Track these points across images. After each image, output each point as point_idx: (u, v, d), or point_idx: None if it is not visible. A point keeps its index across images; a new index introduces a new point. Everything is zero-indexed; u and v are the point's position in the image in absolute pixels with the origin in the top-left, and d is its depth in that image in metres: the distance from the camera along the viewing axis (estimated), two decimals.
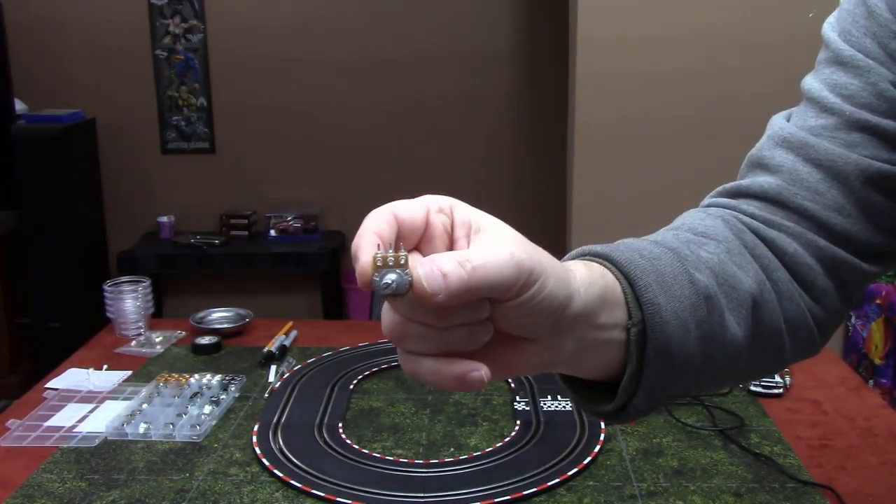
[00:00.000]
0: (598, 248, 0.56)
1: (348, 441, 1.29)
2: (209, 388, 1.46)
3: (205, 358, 1.64)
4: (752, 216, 0.66)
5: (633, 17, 2.49)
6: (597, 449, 1.24)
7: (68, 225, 3.27)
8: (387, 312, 0.46)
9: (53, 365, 1.61)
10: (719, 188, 0.71)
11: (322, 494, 1.13)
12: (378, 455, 1.24)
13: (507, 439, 1.29)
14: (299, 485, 1.15)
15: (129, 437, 1.31)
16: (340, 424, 1.34)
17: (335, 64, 3.62)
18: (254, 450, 1.26)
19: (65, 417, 1.39)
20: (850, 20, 0.67)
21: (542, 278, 0.45)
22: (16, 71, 3.44)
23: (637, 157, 2.57)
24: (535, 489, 1.14)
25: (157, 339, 1.72)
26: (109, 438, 1.31)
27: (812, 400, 1.42)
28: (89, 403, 1.44)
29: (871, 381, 2.78)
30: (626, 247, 0.57)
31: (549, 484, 1.15)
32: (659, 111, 2.53)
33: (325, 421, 1.35)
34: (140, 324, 1.75)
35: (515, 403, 1.40)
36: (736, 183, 0.70)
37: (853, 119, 0.65)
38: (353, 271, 0.45)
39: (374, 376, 1.54)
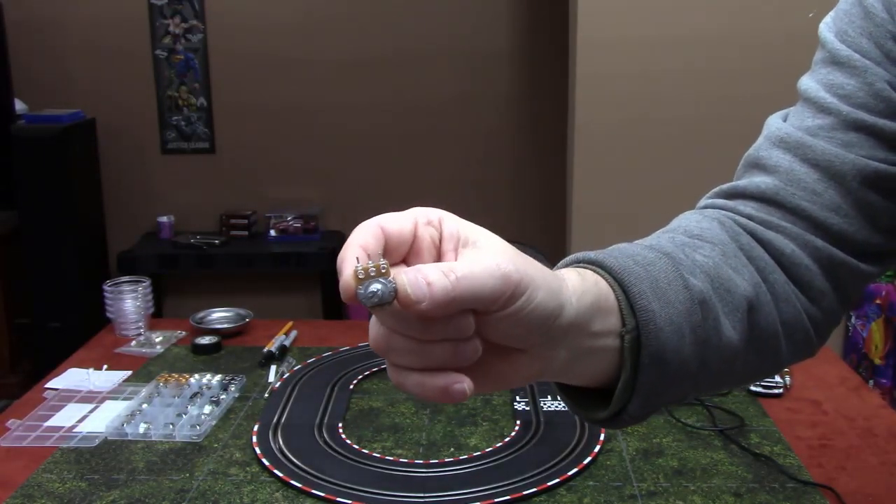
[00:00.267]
0: (591, 254, 0.56)
1: (348, 441, 1.29)
2: (209, 388, 1.46)
3: (205, 358, 1.64)
4: (749, 217, 0.66)
5: (633, 17, 2.49)
6: (597, 449, 1.24)
7: (68, 225, 3.27)
8: (373, 325, 0.46)
9: (53, 365, 1.61)
10: (716, 189, 0.71)
11: (322, 494, 1.13)
12: (378, 455, 1.24)
13: (507, 439, 1.29)
14: (299, 485, 1.15)
15: (129, 437, 1.31)
16: (340, 424, 1.34)
17: (335, 64, 3.62)
18: (254, 450, 1.26)
19: (65, 417, 1.39)
20: (846, 20, 0.67)
21: (531, 290, 0.45)
22: (16, 71, 3.44)
23: (637, 157, 2.57)
24: (535, 489, 1.14)
25: (157, 339, 1.72)
26: (109, 438, 1.31)
27: (812, 400, 1.42)
28: (89, 403, 1.44)
29: (871, 381, 2.78)
30: (620, 252, 0.56)
31: (549, 484, 1.15)
32: (659, 111, 2.53)
33: (325, 421, 1.35)
34: (140, 324, 1.75)
35: (515, 403, 1.40)
36: (733, 184, 0.69)
37: (850, 119, 0.65)
38: None
39: (374, 376, 1.54)
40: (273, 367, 1.57)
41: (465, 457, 1.24)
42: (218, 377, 1.50)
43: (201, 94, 3.67)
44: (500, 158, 3.71)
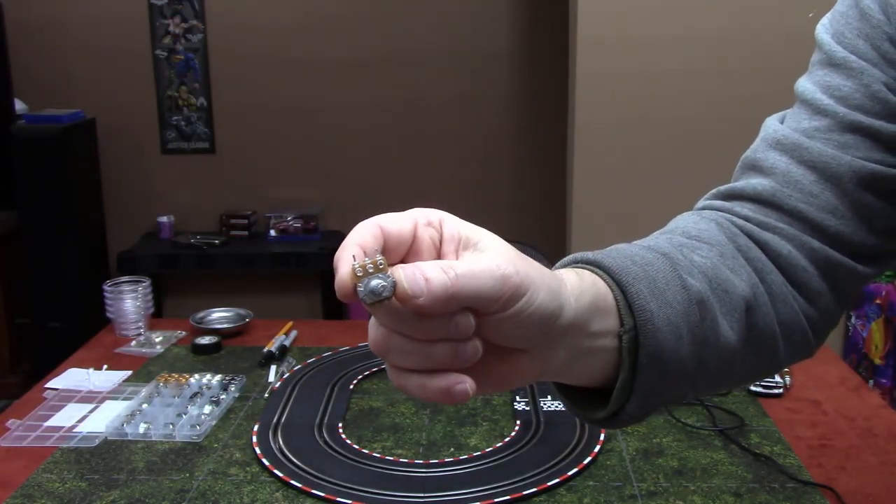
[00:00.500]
0: (589, 254, 0.56)
1: (348, 441, 1.29)
2: (209, 388, 1.46)
3: (205, 358, 1.64)
4: (746, 218, 0.66)
5: (633, 17, 2.49)
6: (597, 449, 1.24)
7: (68, 225, 3.27)
8: (373, 326, 0.46)
9: (53, 365, 1.61)
10: (713, 190, 0.71)
11: (322, 494, 1.13)
12: (378, 455, 1.24)
13: (507, 439, 1.29)
14: (299, 485, 1.15)
15: (129, 437, 1.31)
16: (340, 424, 1.34)
17: (335, 64, 3.62)
18: (254, 450, 1.26)
19: (65, 417, 1.39)
20: (843, 22, 0.67)
21: (531, 291, 0.45)
22: (16, 71, 3.44)
23: (637, 157, 2.57)
24: (535, 489, 1.14)
25: (157, 339, 1.72)
26: (109, 438, 1.31)
27: (812, 400, 1.42)
28: (89, 403, 1.44)
29: (871, 381, 2.78)
30: (618, 253, 0.56)
31: (549, 484, 1.15)
32: (659, 111, 2.54)
33: (325, 421, 1.35)
34: (140, 324, 1.75)
35: (515, 403, 1.40)
36: (730, 185, 0.70)
37: (846, 121, 0.65)
38: None
39: (374, 376, 1.54)
40: (273, 367, 1.57)
41: (465, 457, 1.24)
42: (218, 377, 1.50)
43: (201, 94, 3.67)
44: (500, 158, 3.71)
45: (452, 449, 1.27)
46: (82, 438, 1.31)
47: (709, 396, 1.40)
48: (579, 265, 0.56)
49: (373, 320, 0.46)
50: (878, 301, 2.78)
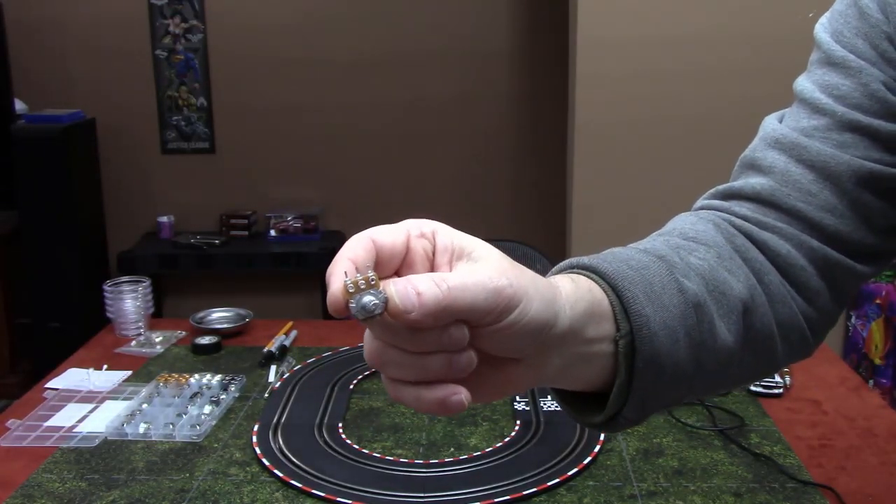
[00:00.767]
0: (585, 260, 0.56)
1: (348, 441, 1.29)
2: (209, 388, 1.46)
3: (205, 358, 1.64)
4: (745, 218, 0.66)
5: (633, 17, 2.49)
6: (597, 449, 1.24)
7: (68, 225, 3.27)
8: (368, 339, 0.46)
9: (53, 365, 1.62)
10: (712, 190, 0.71)
11: (322, 494, 1.13)
12: (378, 455, 1.24)
13: (507, 439, 1.29)
14: (299, 485, 1.16)
15: (129, 437, 1.31)
16: (340, 424, 1.34)
17: (335, 64, 3.62)
18: (254, 450, 1.26)
19: (65, 417, 1.39)
20: (841, 21, 0.67)
21: (524, 303, 0.45)
22: (16, 71, 3.44)
23: (637, 156, 2.57)
24: (535, 489, 1.14)
25: (157, 339, 1.72)
26: (109, 438, 1.31)
27: (812, 400, 1.42)
28: (89, 403, 1.44)
29: (871, 381, 2.78)
30: (614, 257, 0.56)
31: (549, 484, 1.15)
32: (659, 111, 2.54)
33: (325, 421, 1.35)
34: (140, 324, 1.75)
35: (515, 403, 1.40)
36: (728, 184, 0.69)
37: (845, 120, 0.65)
38: None
39: (374, 376, 1.54)
40: (273, 367, 1.57)
41: (465, 457, 1.24)
42: (218, 377, 1.50)
43: (201, 94, 3.67)
44: (500, 158, 3.71)
45: (452, 449, 1.27)
46: (82, 438, 1.31)
47: (708, 397, 1.40)
48: (575, 270, 0.56)
49: (368, 333, 0.46)
50: (878, 301, 2.78)
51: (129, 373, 1.56)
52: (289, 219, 3.65)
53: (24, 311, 3.37)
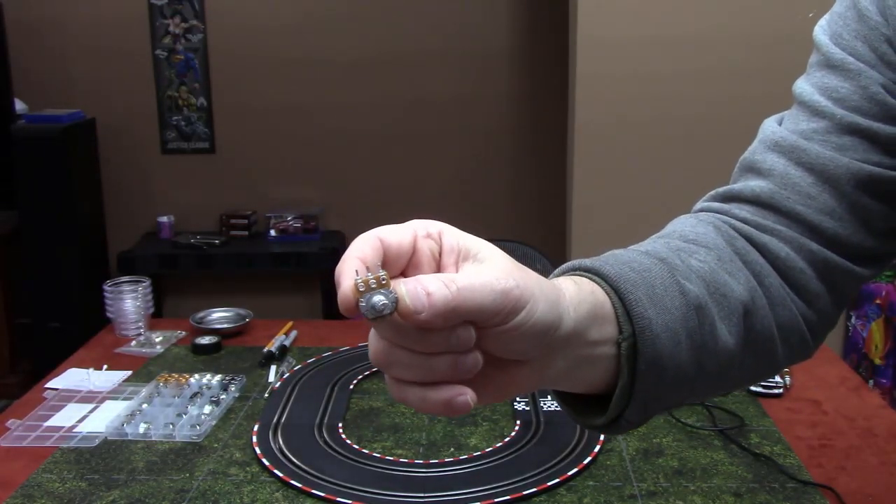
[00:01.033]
0: (587, 262, 0.56)
1: (348, 441, 1.29)
2: (209, 388, 1.47)
3: (205, 358, 1.64)
4: (744, 221, 0.66)
5: (633, 17, 2.49)
6: (597, 449, 1.24)
7: (68, 225, 3.27)
8: (373, 339, 0.46)
9: (53, 365, 1.62)
10: (712, 192, 0.71)
11: (322, 494, 1.13)
12: (378, 455, 1.24)
13: (507, 439, 1.29)
14: (299, 485, 1.16)
15: (129, 437, 1.31)
16: (340, 424, 1.34)
17: (335, 64, 3.62)
18: (254, 450, 1.26)
19: (65, 417, 1.39)
20: (841, 23, 0.67)
21: (531, 304, 0.45)
22: (16, 71, 3.44)
23: (637, 157, 2.57)
24: (535, 489, 1.14)
25: (157, 339, 1.72)
26: (109, 438, 1.31)
27: (812, 400, 1.42)
28: (89, 403, 1.44)
29: (871, 381, 2.78)
30: (616, 259, 0.56)
31: (549, 484, 1.15)
32: (659, 111, 2.54)
33: (325, 421, 1.35)
34: (140, 324, 1.75)
35: (515, 403, 1.40)
36: (728, 187, 0.69)
37: (844, 122, 0.65)
38: None
39: (374, 376, 1.54)
40: (273, 367, 1.57)
41: (465, 457, 1.24)
42: (218, 377, 1.50)
43: (201, 94, 3.67)
44: (500, 158, 3.71)
45: (452, 449, 1.27)
46: (82, 438, 1.31)
47: (708, 399, 1.40)
48: (577, 273, 0.56)
49: (373, 333, 0.46)
50: (878, 301, 2.78)
51: (129, 373, 1.56)
52: (289, 219, 3.65)
53: (24, 311, 3.37)
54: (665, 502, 1.12)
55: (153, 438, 1.31)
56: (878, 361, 2.79)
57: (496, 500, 1.12)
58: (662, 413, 0.61)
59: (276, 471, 1.19)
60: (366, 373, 1.54)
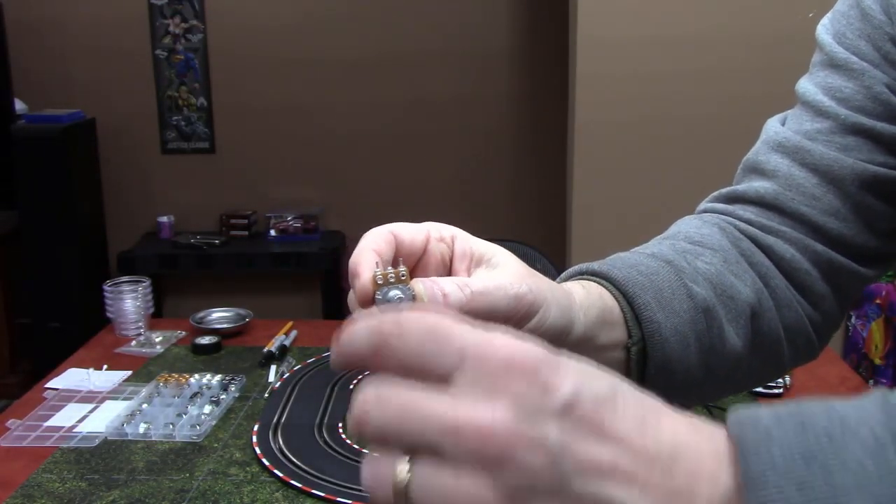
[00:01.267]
0: (595, 266, 0.56)
1: (348, 441, 1.29)
2: (209, 388, 1.46)
3: (205, 358, 1.64)
4: (749, 222, 0.66)
5: (633, 17, 2.49)
6: None
7: (68, 225, 3.27)
8: None
9: (53, 365, 1.62)
10: (715, 193, 0.71)
11: (322, 494, 1.13)
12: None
13: None
14: (299, 485, 1.15)
15: (129, 437, 1.31)
16: (340, 424, 1.34)
17: (335, 64, 3.62)
18: (254, 450, 1.26)
19: (65, 417, 1.39)
20: (844, 22, 0.67)
21: (543, 309, 0.46)
22: (16, 71, 3.44)
23: (637, 157, 2.57)
24: None
25: (157, 339, 1.72)
26: (109, 438, 1.31)
27: None
28: (89, 403, 1.44)
29: (871, 381, 2.78)
30: (623, 263, 0.56)
31: None
32: (659, 111, 2.53)
33: (325, 421, 1.35)
34: (140, 324, 1.75)
35: None
36: (732, 188, 0.69)
37: (848, 123, 0.64)
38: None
39: None
40: (273, 367, 1.57)
41: None
42: (218, 377, 1.50)
43: (201, 94, 3.67)
44: (500, 158, 3.71)
45: None
46: (82, 438, 1.31)
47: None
48: (584, 277, 0.56)
49: None
50: (878, 301, 2.78)
51: (129, 373, 1.56)
52: (289, 219, 3.65)
53: (24, 311, 3.37)
54: None
55: (153, 438, 1.31)
56: (878, 361, 2.79)
57: None
58: None
59: (276, 471, 1.19)
60: (366, 373, 1.54)
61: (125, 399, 1.45)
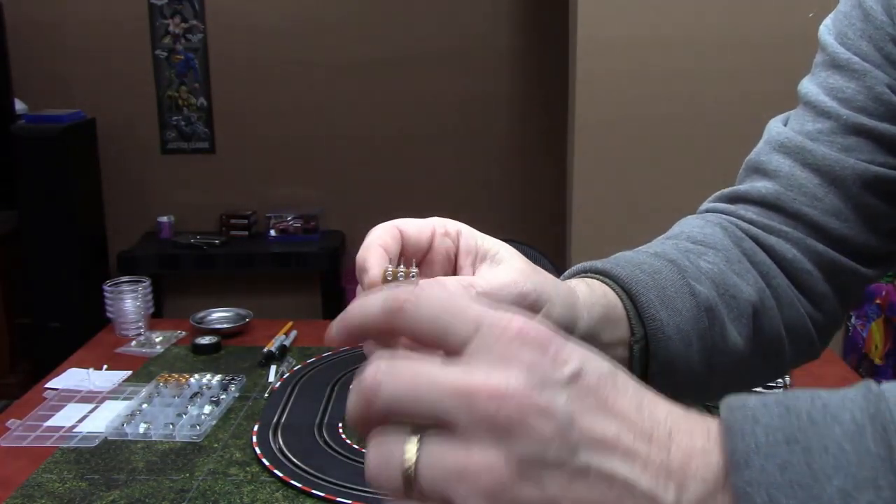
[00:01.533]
0: (598, 264, 0.56)
1: (348, 441, 1.29)
2: (209, 388, 1.46)
3: (205, 358, 1.64)
4: (751, 222, 0.66)
5: (633, 17, 2.49)
6: None
7: (68, 225, 3.27)
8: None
9: (53, 365, 1.62)
10: (717, 193, 0.71)
11: (322, 494, 1.13)
12: None
13: None
14: (299, 485, 1.15)
15: (129, 437, 1.31)
16: (340, 424, 1.34)
17: (335, 64, 3.62)
18: (254, 450, 1.26)
19: (65, 417, 1.39)
20: (846, 23, 0.67)
21: (547, 307, 0.46)
22: (16, 71, 3.44)
23: (637, 157, 2.57)
24: None
25: (157, 339, 1.72)
26: (109, 438, 1.31)
27: None
28: (89, 403, 1.44)
29: None
30: (626, 261, 0.56)
31: None
32: (659, 111, 2.53)
33: (325, 421, 1.35)
34: (140, 324, 1.75)
35: None
36: (734, 188, 0.69)
37: (850, 123, 0.64)
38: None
39: None
40: (273, 367, 1.57)
41: None
42: (218, 377, 1.50)
43: (201, 94, 3.67)
44: (500, 158, 3.71)
45: None
46: (82, 438, 1.31)
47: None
48: (588, 274, 0.56)
49: None
50: (878, 301, 2.78)
51: (129, 373, 1.56)
52: (289, 219, 3.65)
53: (24, 311, 3.37)
54: None
55: (153, 438, 1.31)
56: (878, 361, 2.79)
57: None
58: None
59: (276, 471, 1.19)
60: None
61: (125, 399, 1.45)
